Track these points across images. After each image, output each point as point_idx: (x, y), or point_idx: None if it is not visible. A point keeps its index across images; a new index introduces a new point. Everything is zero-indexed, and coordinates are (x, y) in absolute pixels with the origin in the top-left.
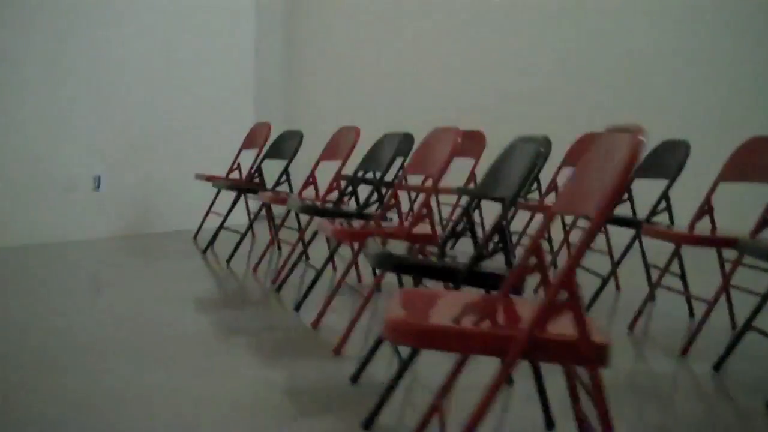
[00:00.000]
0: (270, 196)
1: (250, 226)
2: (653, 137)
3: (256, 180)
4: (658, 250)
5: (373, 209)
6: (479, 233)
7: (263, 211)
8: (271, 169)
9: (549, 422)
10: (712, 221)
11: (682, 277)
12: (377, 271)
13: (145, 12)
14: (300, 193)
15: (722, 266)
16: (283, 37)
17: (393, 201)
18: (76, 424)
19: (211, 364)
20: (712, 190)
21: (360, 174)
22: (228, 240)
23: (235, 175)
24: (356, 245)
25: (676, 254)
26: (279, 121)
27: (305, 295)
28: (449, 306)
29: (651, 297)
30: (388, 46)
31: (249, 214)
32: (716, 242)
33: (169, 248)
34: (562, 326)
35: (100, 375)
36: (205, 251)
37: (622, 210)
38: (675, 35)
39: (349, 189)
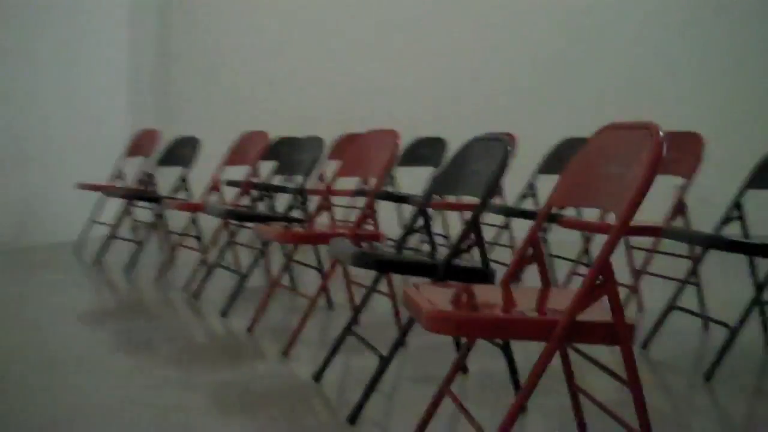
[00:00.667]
0: (180, 204)
1: (148, 235)
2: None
3: (150, 188)
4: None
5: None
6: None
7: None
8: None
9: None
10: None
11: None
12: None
13: (5, 8)
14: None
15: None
16: (158, 42)
17: (325, 203)
18: None
19: (164, 373)
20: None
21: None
22: (114, 251)
23: (118, 183)
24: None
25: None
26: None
27: (232, 301)
28: (473, 298)
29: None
30: (279, 44)
31: (134, 222)
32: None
33: (51, 261)
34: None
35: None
36: (98, 262)
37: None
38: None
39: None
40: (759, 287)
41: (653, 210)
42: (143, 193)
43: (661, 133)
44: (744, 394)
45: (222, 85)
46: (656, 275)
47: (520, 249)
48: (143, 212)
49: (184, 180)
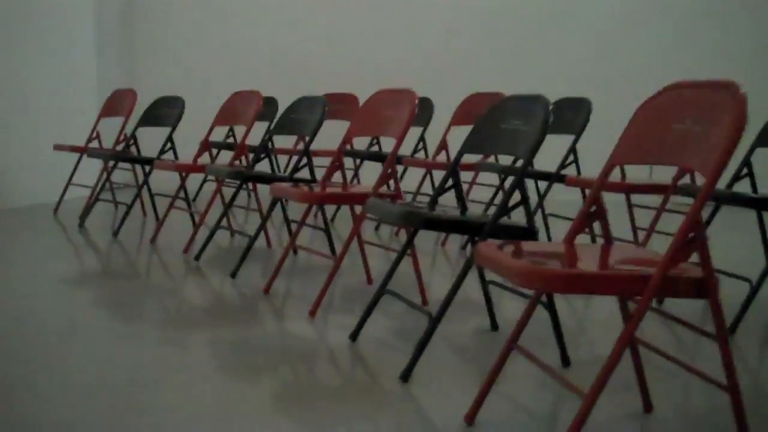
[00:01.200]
0: (178, 165)
1: (135, 199)
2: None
3: (131, 148)
4: None
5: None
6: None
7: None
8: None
9: (565, 360)
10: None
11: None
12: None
13: None
14: (195, 160)
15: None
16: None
17: (337, 164)
18: None
19: (182, 334)
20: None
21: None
22: (95, 213)
23: (95, 144)
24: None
25: None
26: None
27: (241, 262)
28: (557, 255)
29: None
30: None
31: (112, 184)
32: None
33: (33, 223)
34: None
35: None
36: (81, 225)
37: None
38: None
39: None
40: None
41: (661, 170)
42: (129, 154)
43: (743, 92)
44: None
45: (192, 46)
46: (665, 233)
47: (583, 207)
48: (123, 174)
49: (171, 141)
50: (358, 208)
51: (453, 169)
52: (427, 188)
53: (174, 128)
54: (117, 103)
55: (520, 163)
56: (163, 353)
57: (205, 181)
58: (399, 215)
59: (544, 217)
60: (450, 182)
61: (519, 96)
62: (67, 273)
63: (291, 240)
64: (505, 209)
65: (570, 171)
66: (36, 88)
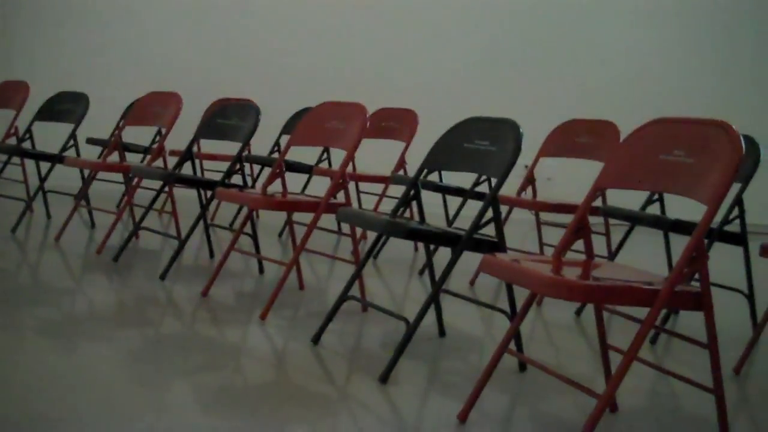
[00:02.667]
0: (104, 165)
1: (35, 196)
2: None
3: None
4: None
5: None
6: None
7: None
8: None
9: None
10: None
11: None
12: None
13: None
14: (104, 159)
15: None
16: None
17: (278, 171)
18: None
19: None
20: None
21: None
22: None
23: None
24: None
25: None
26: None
27: (170, 265)
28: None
29: None
30: None
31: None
32: None
33: None
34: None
35: None
36: None
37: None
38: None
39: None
40: None
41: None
42: (28, 150)
43: (736, 130)
44: None
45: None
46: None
47: (571, 225)
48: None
49: (74, 138)
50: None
51: (414, 182)
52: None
53: (78, 124)
54: (7, 95)
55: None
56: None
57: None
58: (383, 225)
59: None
60: (412, 194)
61: (483, 118)
62: None
63: (231, 244)
64: (478, 224)
65: None
66: None
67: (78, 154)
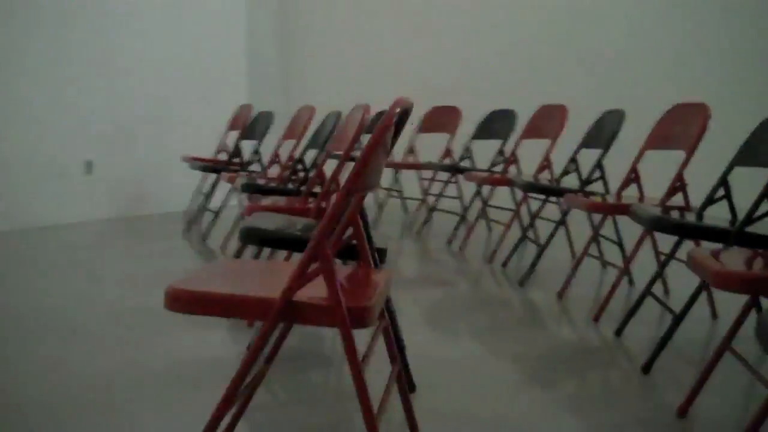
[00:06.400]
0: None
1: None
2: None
3: (236, 160)
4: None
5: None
6: None
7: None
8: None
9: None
10: (640, 189)
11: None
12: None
13: (136, 1)
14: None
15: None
16: (277, 15)
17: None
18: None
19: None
20: (638, 158)
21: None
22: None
23: (223, 155)
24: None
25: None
26: (275, 103)
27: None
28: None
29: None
30: (382, 24)
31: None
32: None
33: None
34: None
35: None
36: (188, 231)
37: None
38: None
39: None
40: None
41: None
42: (224, 164)
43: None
44: None
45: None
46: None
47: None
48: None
49: (257, 152)
50: None
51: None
52: None
53: (261, 141)
54: (239, 117)
55: None
56: None
57: None
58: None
59: None
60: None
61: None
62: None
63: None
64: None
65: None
66: (184, 101)
67: (262, 168)
